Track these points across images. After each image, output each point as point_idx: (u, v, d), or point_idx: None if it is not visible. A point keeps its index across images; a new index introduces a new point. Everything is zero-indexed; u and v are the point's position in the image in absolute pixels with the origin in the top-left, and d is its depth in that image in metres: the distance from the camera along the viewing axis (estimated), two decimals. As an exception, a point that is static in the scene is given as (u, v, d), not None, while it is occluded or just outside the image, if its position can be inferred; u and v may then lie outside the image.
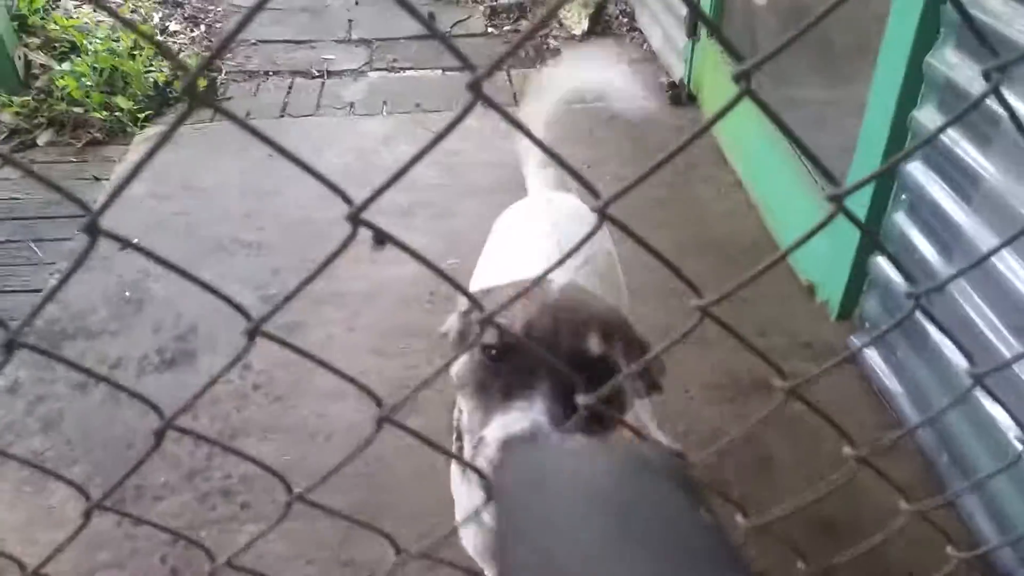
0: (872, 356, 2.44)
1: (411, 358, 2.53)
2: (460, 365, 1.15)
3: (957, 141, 2.03)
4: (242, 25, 0.50)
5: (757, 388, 2.42)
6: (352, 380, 0.70)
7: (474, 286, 1.76)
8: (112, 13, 0.60)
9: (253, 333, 0.60)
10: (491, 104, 0.56)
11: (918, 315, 2.28)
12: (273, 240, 3.03)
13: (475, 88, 0.52)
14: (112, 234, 0.54)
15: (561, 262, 0.68)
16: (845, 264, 2.50)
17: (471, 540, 1.38)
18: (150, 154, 0.51)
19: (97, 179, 3.43)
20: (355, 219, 0.56)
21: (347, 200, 0.56)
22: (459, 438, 1.28)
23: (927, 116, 2.12)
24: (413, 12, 0.54)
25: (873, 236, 0.72)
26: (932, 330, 2.16)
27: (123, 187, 0.52)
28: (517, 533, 0.62)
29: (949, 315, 2.08)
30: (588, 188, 0.62)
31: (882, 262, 2.38)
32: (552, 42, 4.62)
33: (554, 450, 0.74)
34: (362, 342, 2.57)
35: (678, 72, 4.00)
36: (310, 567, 1.94)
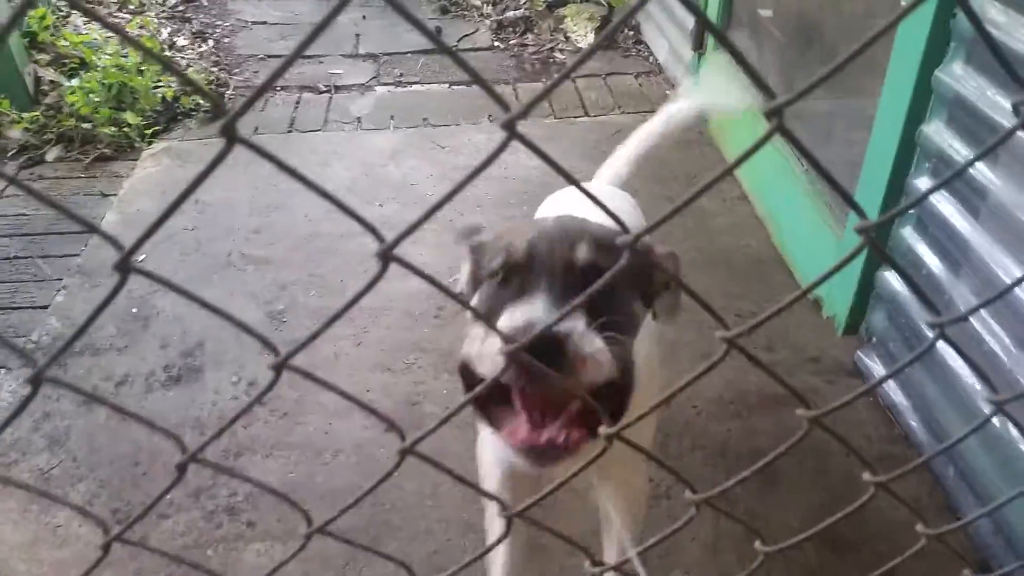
0: (878, 370, 2.42)
1: (418, 374, 2.53)
2: (475, 301, 1.25)
3: (967, 157, 2.02)
4: (278, 73, 0.50)
5: (764, 405, 2.41)
6: (380, 415, 0.70)
7: None
8: (145, 50, 0.58)
9: (280, 368, 0.60)
10: (526, 143, 0.55)
11: (928, 332, 2.26)
12: (281, 255, 3.04)
13: (510, 127, 0.52)
14: (144, 271, 0.54)
15: None
16: (852, 279, 2.49)
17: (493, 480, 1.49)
18: (184, 195, 0.51)
19: (105, 195, 3.43)
20: (386, 256, 0.55)
21: (379, 238, 0.55)
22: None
23: (935, 131, 2.11)
24: (462, 64, 0.54)
25: (900, 269, 0.71)
26: (941, 346, 2.15)
27: (157, 226, 0.52)
28: None
29: (956, 330, 2.07)
30: (617, 221, 0.62)
31: (889, 277, 2.37)
32: (558, 55, 4.63)
33: None
34: (370, 358, 2.57)
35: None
36: (317, 586, 1.93)
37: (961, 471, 2.08)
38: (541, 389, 1.03)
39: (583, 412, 1.06)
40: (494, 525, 1.56)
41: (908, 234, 2.27)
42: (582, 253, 1.13)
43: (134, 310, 2.74)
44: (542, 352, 0.88)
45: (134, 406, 2.40)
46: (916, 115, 2.17)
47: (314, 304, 2.81)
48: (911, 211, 2.27)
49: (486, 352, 1.04)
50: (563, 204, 1.99)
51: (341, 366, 2.55)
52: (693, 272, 2.86)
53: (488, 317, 1.08)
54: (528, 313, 1.02)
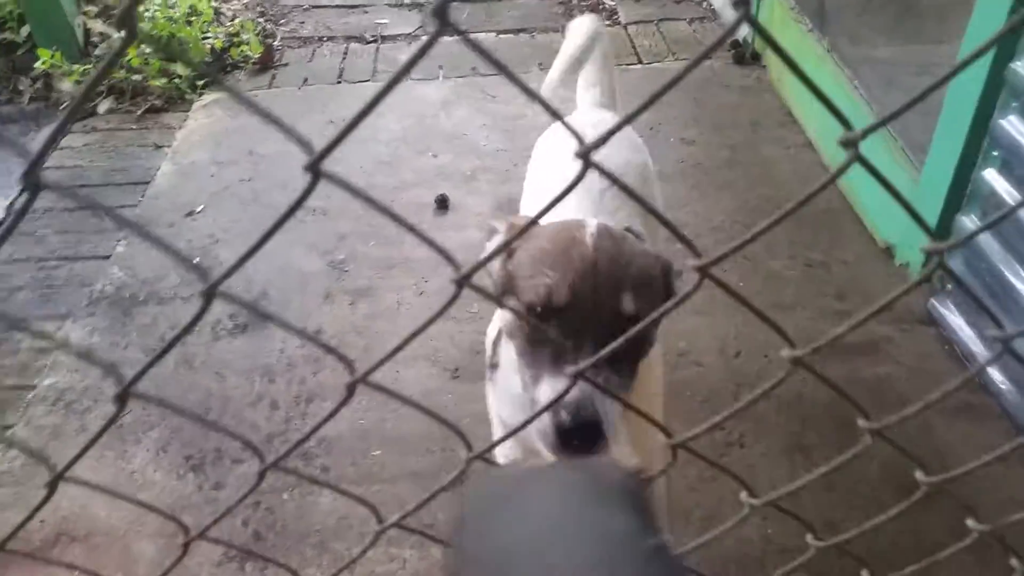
0: (955, 320, 2.36)
1: (481, 324, 2.49)
2: (506, 321, 1.23)
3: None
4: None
5: (836, 353, 2.36)
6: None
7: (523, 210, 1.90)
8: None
9: (462, 283, 0.58)
10: (765, 34, 0.51)
11: (1009, 276, 2.17)
12: (338, 206, 3.01)
13: (744, 4, 0.48)
14: (335, 177, 0.52)
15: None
16: (928, 224, 2.41)
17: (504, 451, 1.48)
18: (386, 89, 0.48)
19: (159, 146, 3.42)
20: (585, 159, 0.52)
21: (579, 140, 0.52)
22: (493, 361, 1.45)
23: (1026, 67, 2.03)
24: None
25: None
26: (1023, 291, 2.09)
27: (350, 128, 0.49)
28: (470, 557, 0.69)
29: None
30: (687, 244, 0.65)
31: (968, 222, 2.30)
32: (608, 2, 4.53)
33: (517, 475, 0.80)
34: (432, 306, 2.51)
35: (741, 30, 3.89)
36: (392, 530, 1.92)
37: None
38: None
39: None
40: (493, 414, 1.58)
41: (991, 177, 2.19)
42: (628, 305, 1.12)
43: (196, 259, 2.75)
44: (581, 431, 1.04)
45: (203, 354, 2.41)
46: (1006, 51, 2.08)
47: (374, 254, 2.79)
48: (993, 152, 2.19)
49: (537, 417, 1.03)
50: (560, 139, 1.93)
51: (403, 315, 2.53)
52: (760, 221, 2.79)
53: (529, 352, 1.15)
54: (574, 395, 0.99)
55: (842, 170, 0.54)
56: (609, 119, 1.99)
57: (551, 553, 0.63)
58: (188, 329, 0.59)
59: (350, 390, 0.65)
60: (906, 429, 2.11)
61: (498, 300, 0.83)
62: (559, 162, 1.85)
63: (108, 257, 2.82)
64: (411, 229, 0.56)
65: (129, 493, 2.06)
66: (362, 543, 1.91)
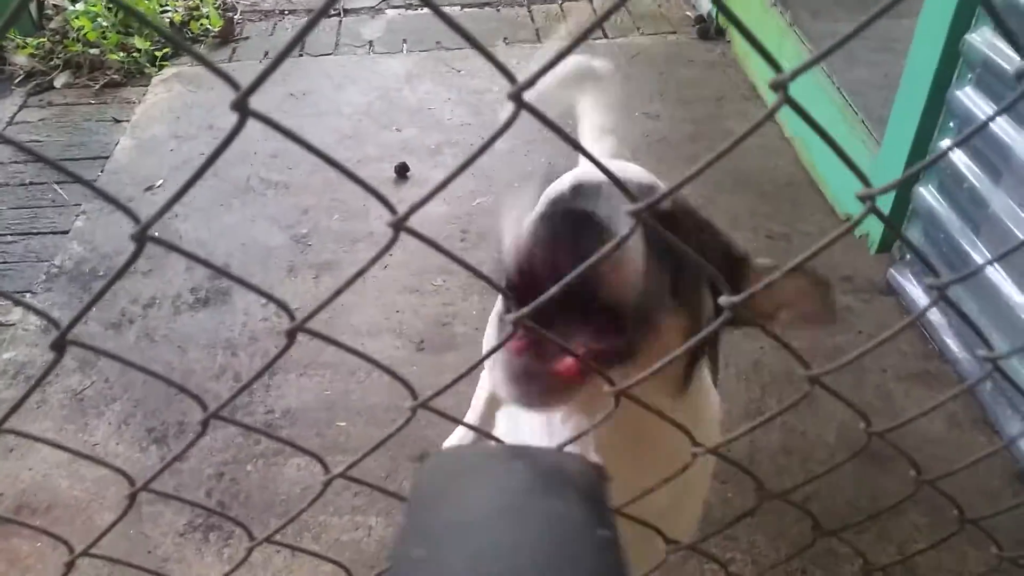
0: (913, 289, 2.41)
1: (447, 295, 2.51)
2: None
3: (1013, 59, 1.96)
4: None
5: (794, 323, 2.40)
6: (392, 373, 0.67)
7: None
8: None
9: (399, 227, 0.57)
10: None
11: (964, 246, 2.21)
12: (300, 180, 2.99)
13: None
14: (259, 114, 0.51)
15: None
16: (887, 195, 2.45)
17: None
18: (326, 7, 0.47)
19: (117, 121, 3.37)
20: (517, 99, 0.52)
21: (512, 80, 0.52)
22: None
23: (982, 38, 2.06)
24: None
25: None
26: (980, 260, 2.13)
27: (273, 68, 0.48)
28: (417, 530, 0.66)
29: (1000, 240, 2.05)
30: (621, 187, 0.60)
31: (926, 192, 2.34)
32: (573, -22, 4.51)
33: (474, 454, 0.78)
34: (398, 280, 2.54)
35: (705, 5, 3.91)
36: (358, 499, 1.93)
37: (998, 386, 2.08)
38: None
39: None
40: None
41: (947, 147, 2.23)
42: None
43: (155, 233, 2.69)
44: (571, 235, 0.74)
45: (163, 328, 2.38)
46: (961, 23, 2.11)
47: (337, 228, 2.77)
48: (950, 124, 2.23)
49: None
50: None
51: (369, 288, 2.52)
52: (722, 195, 2.82)
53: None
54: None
55: (772, 111, 0.55)
56: (642, 170, 1.70)
57: (499, 532, 0.63)
58: (120, 273, 0.58)
59: (290, 336, 0.64)
60: (865, 396, 2.17)
61: (442, 248, 0.63)
62: None
63: (67, 232, 2.78)
64: (340, 168, 0.55)
65: (91, 466, 2.04)
66: (326, 512, 1.92)
